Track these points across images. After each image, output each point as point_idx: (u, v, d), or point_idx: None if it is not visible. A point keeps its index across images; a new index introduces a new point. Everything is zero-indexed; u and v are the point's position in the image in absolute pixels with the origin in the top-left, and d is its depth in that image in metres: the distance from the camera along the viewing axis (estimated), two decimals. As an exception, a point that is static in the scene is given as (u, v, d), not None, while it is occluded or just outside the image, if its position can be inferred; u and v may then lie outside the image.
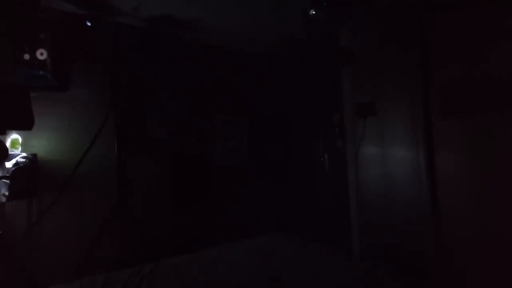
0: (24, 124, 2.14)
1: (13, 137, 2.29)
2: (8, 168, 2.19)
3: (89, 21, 2.39)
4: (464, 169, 2.04)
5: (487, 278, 1.87)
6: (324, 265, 1.74)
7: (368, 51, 2.71)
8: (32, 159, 2.29)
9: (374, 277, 1.58)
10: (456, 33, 2.07)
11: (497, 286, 1.82)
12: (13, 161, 2.21)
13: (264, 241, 2.16)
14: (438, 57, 2.17)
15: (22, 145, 2.33)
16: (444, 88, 2.12)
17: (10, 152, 2.25)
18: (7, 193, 2.16)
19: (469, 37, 2.00)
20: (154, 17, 2.70)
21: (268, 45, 3.51)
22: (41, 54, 2.07)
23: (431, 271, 2.13)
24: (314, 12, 2.37)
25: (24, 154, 2.27)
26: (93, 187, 2.56)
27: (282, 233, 2.28)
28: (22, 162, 2.22)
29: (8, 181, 2.14)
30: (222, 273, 1.69)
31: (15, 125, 2.14)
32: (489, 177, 1.91)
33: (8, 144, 2.26)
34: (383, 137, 2.59)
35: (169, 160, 3.02)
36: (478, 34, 1.96)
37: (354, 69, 2.85)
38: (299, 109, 3.65)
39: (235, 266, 1.77)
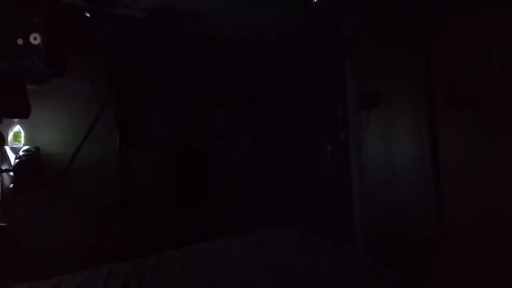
0: (20, 113, 2.11)
1: (15, 130, 2.30)
2: (12, 160, 2.21)
3: (88, 12, 2.36)
4: (467, 161, 2.02)
5: (489, 268, 1.88)
6: (325, 257, 1.74)
7: (371, 44, 2.66)
8: (35, 152, 2.30)
9: (374, 269, 1.58)
10: (456, 32, 2.05)
11: (499, 276, 1.82)
12: (17, 154, 2.23)
13: (265, 233, 2.17)
14: (438, 56, 2.15)
15: (25, 138, 2.34)
16: (445, 84, 2.11)
17: (13, 145, 2.26)
18: (11, 186, 2.19)
19: (469, 37, 1.98)
20: (154, 8, 2.66)
21: (269, 39, 3.45)
22: (35, 39, 2.04)
23: (433, 262, 2.13)
24: (316, 0, 2.32)
25: (27, 147, 2.28)
26: (96, 181, 2.58)
27: (284, 226, 2.28)
28: (25, 155, 2.23)
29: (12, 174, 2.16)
30: (224, 264, 1.70)
31: (11, 113, 2.11)
32: (492, 167, 1.90)
33: (10, 137, 2.27)
34: (386, 128, 2.56)
35: (170, 158, 3.01)
36: (478, 34, 1.94)
37: (357, 61, 2.81)
38: (301, 102, 3.61)
39: (237, 257, 1.78)
